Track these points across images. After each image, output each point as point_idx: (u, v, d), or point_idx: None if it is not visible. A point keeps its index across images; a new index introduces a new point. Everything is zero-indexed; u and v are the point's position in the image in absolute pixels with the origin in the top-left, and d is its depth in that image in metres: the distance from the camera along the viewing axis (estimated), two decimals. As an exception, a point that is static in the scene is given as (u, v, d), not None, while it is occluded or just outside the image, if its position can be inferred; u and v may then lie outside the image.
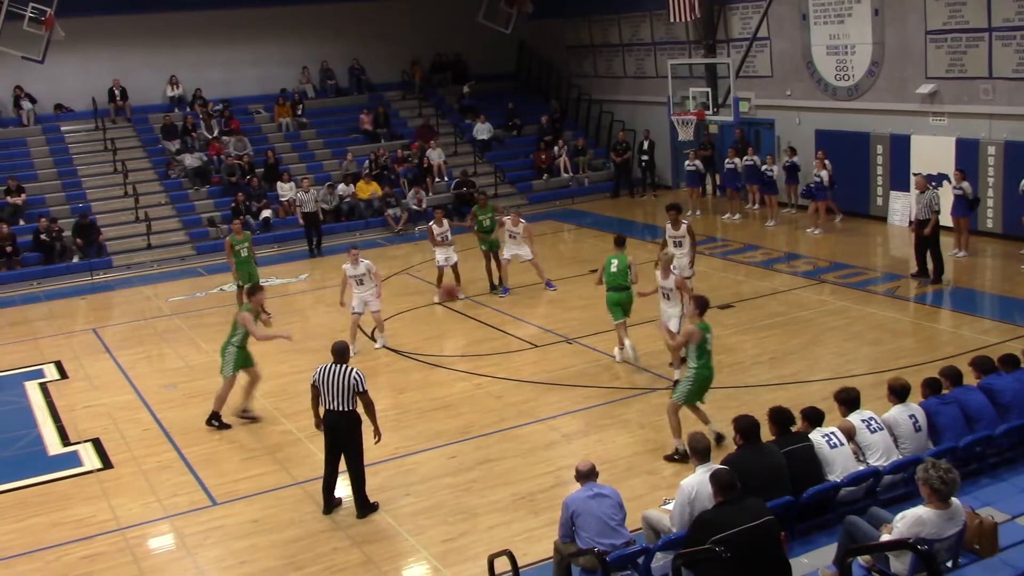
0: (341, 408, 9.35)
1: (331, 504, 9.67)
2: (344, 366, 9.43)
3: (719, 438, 10.01)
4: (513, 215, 17.58)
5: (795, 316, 15.01)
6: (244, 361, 12.08)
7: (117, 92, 26.20)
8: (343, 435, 9.43)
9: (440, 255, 17.20)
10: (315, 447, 11.29)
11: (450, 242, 17.24)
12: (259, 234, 22.95)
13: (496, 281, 17.60)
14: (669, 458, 10.22)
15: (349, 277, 14.47)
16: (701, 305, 10.34)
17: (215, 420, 12.01)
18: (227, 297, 18.31)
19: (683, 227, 14.41)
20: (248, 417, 12.20)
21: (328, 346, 14.97)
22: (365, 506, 9.57)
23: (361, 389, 9.35)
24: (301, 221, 22.29)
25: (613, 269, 12.96)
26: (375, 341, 14.90)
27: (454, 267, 17.31)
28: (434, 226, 17.20)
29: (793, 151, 21.68)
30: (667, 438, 10.75)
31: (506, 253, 17.40)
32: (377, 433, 9.58)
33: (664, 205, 16.20)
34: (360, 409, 9.48)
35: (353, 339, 14.25)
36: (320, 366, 9.52)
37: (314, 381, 9.52)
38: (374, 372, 13.24)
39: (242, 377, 12.18)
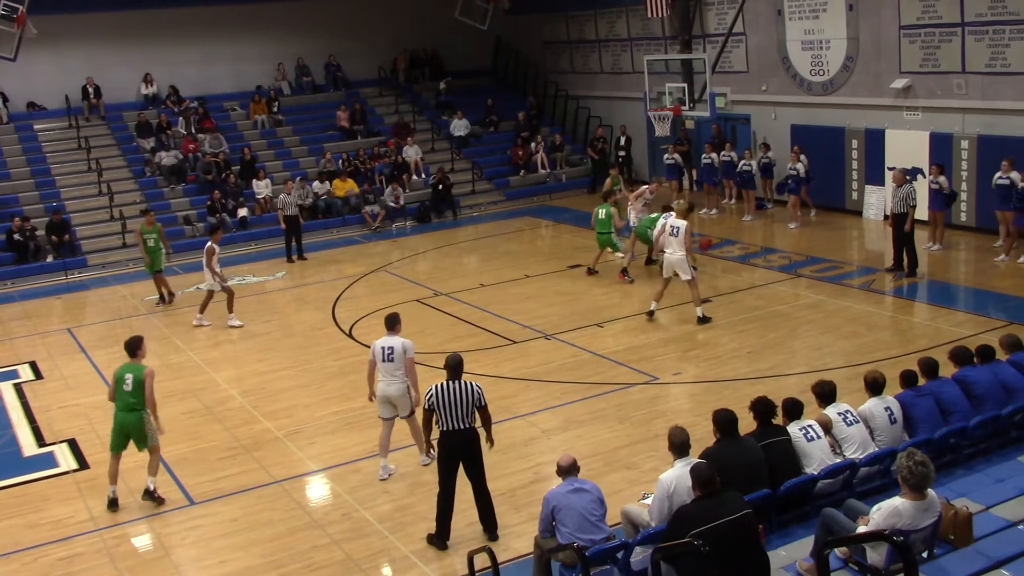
0: (465, 425, 8.63)
1: (448, 532, 8.79)
2: (462, 381, 8.73)
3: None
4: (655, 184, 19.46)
5: (772, 310, 15.10)
6: None
7: (91, 90, 25.92)
8: (472, 450, 8.71)
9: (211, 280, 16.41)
10: (294, 446, 11.29)
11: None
12: (236, 232, 22.84)
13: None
14: None
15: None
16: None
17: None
18: (204, 296, 18.15)
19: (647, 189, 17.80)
20: None
21: (305, 343, 15.22)
22: (494, 524, 8.88)
23: (482, 403, 8.74)
24: (283, 225, 20.96)
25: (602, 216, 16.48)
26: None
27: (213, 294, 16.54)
28: (215, 246, 16.44)
29: (767, 147, 21.80)
30: (646, 432, 10.81)
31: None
32: (490, 440, 8.91)
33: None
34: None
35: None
36: (433, 386, 8.71)
37: (430, 405, 8.68)
38: (346, 371, 13.27)
39: None
